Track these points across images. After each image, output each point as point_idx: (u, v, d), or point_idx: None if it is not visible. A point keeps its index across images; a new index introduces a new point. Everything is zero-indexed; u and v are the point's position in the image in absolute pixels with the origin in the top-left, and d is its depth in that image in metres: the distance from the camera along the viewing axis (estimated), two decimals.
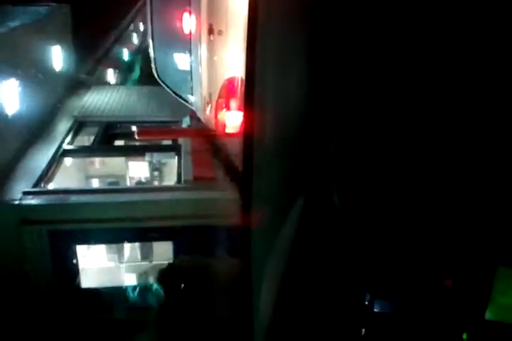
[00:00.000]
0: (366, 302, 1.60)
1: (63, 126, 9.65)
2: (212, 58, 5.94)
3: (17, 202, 6.99)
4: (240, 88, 5.99)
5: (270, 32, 1.40)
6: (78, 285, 7.65)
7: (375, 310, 1.60)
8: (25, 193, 7.17)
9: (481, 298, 1.57)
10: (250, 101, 1.38)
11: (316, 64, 1.49)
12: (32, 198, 7.15)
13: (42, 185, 7.65)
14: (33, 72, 8.86)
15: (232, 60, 5.87)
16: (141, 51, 18.57)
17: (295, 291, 1.58)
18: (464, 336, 1.64)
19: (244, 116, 1.43)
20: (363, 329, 1.61)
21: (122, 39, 18.52)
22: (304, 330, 1.59)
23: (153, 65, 7.14)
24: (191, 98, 6.96)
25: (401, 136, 1.48)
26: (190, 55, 6.30)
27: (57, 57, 10.62)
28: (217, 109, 6.30)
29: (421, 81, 1.46)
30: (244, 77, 1.41)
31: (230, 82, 5.94)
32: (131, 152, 10.12)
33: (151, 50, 7.02)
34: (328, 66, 1.48)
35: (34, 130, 8.83)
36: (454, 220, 1.51)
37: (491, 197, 1.47)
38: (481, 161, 1.46)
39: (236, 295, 1.69)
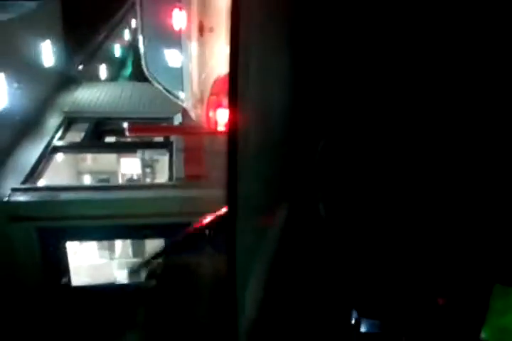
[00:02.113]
0: (353, 321, 1.46)
1: (53, 122, 9.56)
2: (204, 55, 5.88)
3: (5, 199, 6.92)
4: None
5: (253, 27, 1.33)
6: (69, 282, 7.59)
7: (362, 329, 1.46)
8: (14, 190, 7.10)
9: (476, 318, 1.41)
10: (234, 99, 1.32)
11: (301, 60, 1.40)
12: (21, 195, 7.08)
13: (31, 181, 7.58)
14: (23, 68, 8.76)
15: (223, 58, 5.81)
16: (133, 47, 18.48)
17: (278, 305, 1.46)
18: None
19: (229, 116, 1.36)
20: None
21: (114, 34, 18.41)
22: None
23: (143, 61, 7.08)
24: (182, 95, 6.90)
25: (393, 139, 1.37)
26: (181, 51, 6.23)
27: (48, 52, 10.52)
28: (208, 107, 6.24)
29: (413, 79, 1.35)
30: (228, 73, 1.34)
31: (222, 80, 5.89)
32: (123, 148, 10.05)
33: (140, 46, 6.96)
34: (314, 62, 1.39)
35: (23, 126, 8.74)
36: (448, 234, 1.38)
37: (487, 209, 1.35)
38: (475, 173, 1.34)
39: (222, 297, 1.62)
